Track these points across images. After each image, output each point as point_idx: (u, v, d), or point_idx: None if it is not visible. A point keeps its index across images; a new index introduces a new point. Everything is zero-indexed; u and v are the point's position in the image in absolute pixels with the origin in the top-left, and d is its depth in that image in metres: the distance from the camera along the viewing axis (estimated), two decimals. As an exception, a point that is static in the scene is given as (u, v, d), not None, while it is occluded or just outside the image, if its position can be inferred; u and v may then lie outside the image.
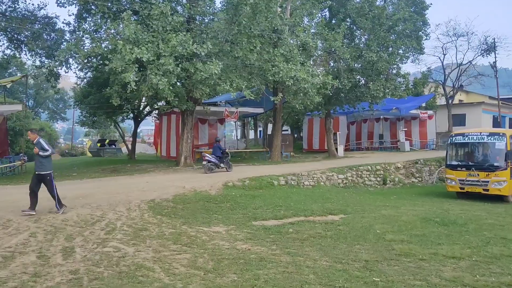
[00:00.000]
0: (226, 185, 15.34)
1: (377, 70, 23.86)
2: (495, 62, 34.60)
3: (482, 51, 36.01)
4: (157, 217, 10.43)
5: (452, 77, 38.13)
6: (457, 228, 9.79)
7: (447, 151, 17.26)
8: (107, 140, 49.03)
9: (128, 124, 48.44)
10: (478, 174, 15.89)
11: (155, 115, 33.09)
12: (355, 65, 23.94)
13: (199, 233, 8.89)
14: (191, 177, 17.13)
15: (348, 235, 8.89)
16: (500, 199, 16.00)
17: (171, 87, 15.99)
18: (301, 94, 20.38)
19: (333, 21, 25.92)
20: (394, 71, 26.21)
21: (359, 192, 18.06)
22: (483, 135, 16.29)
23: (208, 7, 19.52)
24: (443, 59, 38.41)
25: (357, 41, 24.94)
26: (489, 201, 15.67)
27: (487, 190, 15.78)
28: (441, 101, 38.23)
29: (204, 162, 18.65)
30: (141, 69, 16.53)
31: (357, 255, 7.19)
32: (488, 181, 15.69)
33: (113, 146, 46.55)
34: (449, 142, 17.19)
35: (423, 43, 28.23)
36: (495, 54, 34.68)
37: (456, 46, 43.08)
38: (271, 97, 20.88)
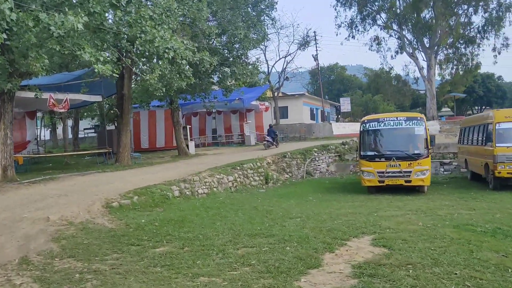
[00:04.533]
0: (109, 206, 9.74)
1: (240, 52, 20.45)
2: (316, 55, 35.45)
3: (301, 44, 36.51)
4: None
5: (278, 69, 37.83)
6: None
7: (360, 140, 15.07)
8: None
9: None
10: (399, 164, 14.11)
11: None
12: (218, 43, 19.96)
13: None
14: (37, 199, 10.56)
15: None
16: (412, 190, 14.65)
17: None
18: (172, 73, 15.45)
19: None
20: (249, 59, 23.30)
21: (265, 196, 14.44)
22: (400, 120, 14.64)
23: None
24: (265, 50, 37.70)
25: (220, 15, 20.98)
26: (403, 193, 14.13)
27: (410, 181, 14.20)
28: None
29: (265, 142, 25.16)
30: None
31: None
32: (410, 171, 14.08)
33: None
34: (361, 129, 15.01)
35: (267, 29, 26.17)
36: (316, 46, 35.52)
37: (278, 38, 43.08)
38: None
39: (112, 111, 30.38)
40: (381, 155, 14.47)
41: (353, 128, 34.61)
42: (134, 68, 16.11)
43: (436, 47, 38.03)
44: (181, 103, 25.13)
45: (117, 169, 16.82)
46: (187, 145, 23.15)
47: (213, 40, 19.11)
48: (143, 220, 8.71)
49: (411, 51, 38.44)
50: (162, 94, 17.55)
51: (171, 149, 27.94)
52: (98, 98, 19.16)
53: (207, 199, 13.06)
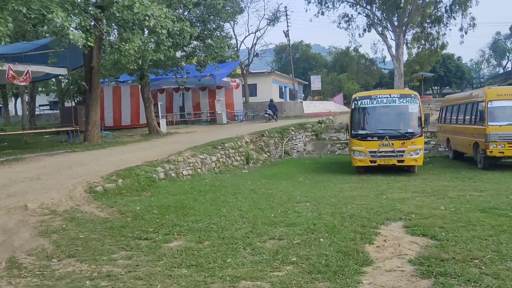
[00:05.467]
0: (93, 190, 8.60)
1: (217, 24, 19.18)
2: (287, 31, 34.42)
3: (272, 20, 35.37)
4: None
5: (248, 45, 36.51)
6: None
7: (351, 118, 14.38)
8: None
9: None
10: (392, 144, 13.57)
11: None
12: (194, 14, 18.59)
13: None
14: (5, 184, 9.20)
15: None
16: (401, 169, 14.23)
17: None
18: (149, 44, 14.11)
19: None
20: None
21: (252, 178, 13.57)
22: (394, 97, 14.03)
23: None
24: (234, 25, 36.25)
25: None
26: (394, 173, 13.74)
27: (402, 161, 13.71)
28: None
29: (266, 115, 27.15)
30: None
31: None
32: (404, 151, 13.58)
33: None
34: (353, 107, 14.31)
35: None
36: (287, 22, 34.46)
37: (248, 12, 41.52)
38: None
39: (72, 86, 28.36)
40: (374, 134, 13.86)
41: (324, 106, 34.24)
42: (105, 38, 14.56)
43: (404, 26, 37.91)
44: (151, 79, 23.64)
45: (87, 148, 15.39)
46: (158, 123, 21.77)
47: (188, 10, 17.69)
48: (137, 208, 7.64)
49: (380, 30, 38.14)
50: (135, 67, 16.17)
51: (138, 127, 26.47)
52: (63, 71, 17.44)
53: (194, 181, 12.05)
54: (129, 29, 13.84)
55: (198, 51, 19.64)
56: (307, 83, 48.26)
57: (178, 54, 19.72)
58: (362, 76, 44.71)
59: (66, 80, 30.83)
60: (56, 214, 6.97)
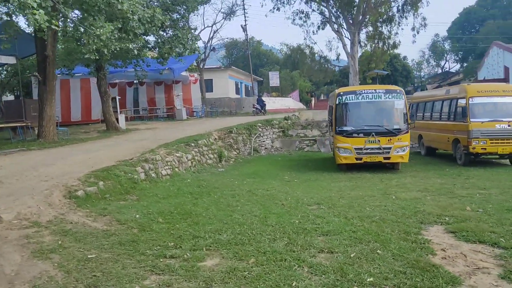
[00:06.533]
0: (74, 195, 7.36)
1: (182, 14, 17.97)
2: (245, 25, 33.56)
3: (228, 14, 34.35)
4: None
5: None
6: None
7: (335, 114, 13.77)
8: None
9: None
10: (379, 140, 13.13)
11: None
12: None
13: None
14: None
15: None
16: (383, 166, 13.90)
17: None
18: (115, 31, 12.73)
19: None
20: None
21: (234, 177, 12.63)
22: (379, 92, 13.58)
23: None
24: (188, 18, 34.68)
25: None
26: (378, 171, 13.37)
27: (389, 158, 13.31)
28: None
29: (253, 109, 28.39)
30: None
31: None
32: (390, 148, 13.18)
33: None
34: (337, 102, 13.68)
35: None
36: (245, 16, 33.52)
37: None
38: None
39: (13, 79, 25.85)
40: (359, 130, 13.32)
41: (283, 103, 33.71)
42: (64, 23, 12.98)
43: (359, 25, 38.22)
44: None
45: (44, 146, 13.68)
46: (117, 119, 20.12)
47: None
48: (137, 216, 6.49)
49: (336, 27, 38.19)
50: (96, 57, 14.62)
51: (89, 123, 24.55)
52: (11, 60, 15.48)
53: (175, 181, 10.94)
54: (95, 13, 12.38)
55: (161, 42, 18.17)
56: (262, 79, 47.63)
57: (134, 45, 18.20)
58: (316, 74, 44.67)
59: (5, 72, 28.13)
60: (40, 226, 5.69)
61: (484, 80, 39.17)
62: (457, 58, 75.31)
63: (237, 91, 38.53)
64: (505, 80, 33.78)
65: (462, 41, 67.87)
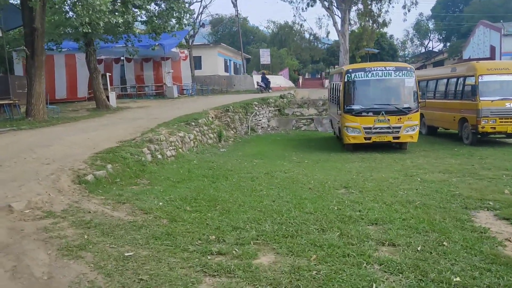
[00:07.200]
0: (84, 180, 6.74)
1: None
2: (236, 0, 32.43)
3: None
4: None
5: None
6: None
7: (344, 92, 13.20)
8: None
9: None
10: (388, 119, 12.68)
11: None
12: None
13: None
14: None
15: None
16: (389, 146, 13.52)
17: None
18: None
19: None
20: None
21: (239, 157, 12.07)
22: (390, 70, 13.05)
23: None
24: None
25: None
26: (386, 150, 13.00)
27: (398, 137, 12.91)
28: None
29: (257, 86, 28.42)
30: None
31: None
32: (400, 127, 12.77)
33: None
34: (345, 79, 13.11)
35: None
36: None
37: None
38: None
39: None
40: (369, 109, 12.83)
41: (274, 81, 32.97)
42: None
43: (350, 2, 37.45)
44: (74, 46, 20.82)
45: (35, 125, 12.82)
46: (107, 97, 19.19)
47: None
48: (160, 203, 5.88)
49: (327, 5, 37.34)
50: (89, 30, 13.70)
51: (75, 101, 23.48)
52: (-5, 33, 14.36)
53: (181, 162, 10.37)
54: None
55: (155, 16, 17.17)
56: (250, 57, 46.64)
57: (131, 17, 17.18)
58: (304, 52, 43.94)
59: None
60: (56, 217, 5.05)
61: (470, 59, 39.23)
62: (441, 38, 75.29)
63: (226, 68, 37.59)
64: (491, 59, 33.60)
65: (446, 20, 67.65)
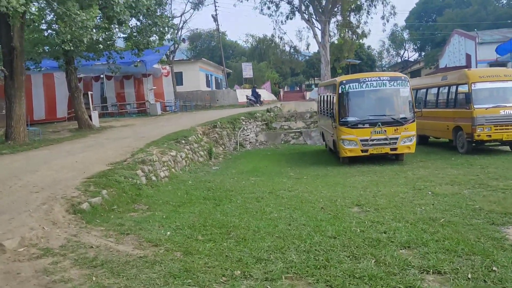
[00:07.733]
0: (79, 209, 6.18)
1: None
2: (216, 14, 32.23)
3: (196, 4, 32.85)
4: None
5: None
6: None
7: (338, 104, 12.89)
8: None
9: None
10: (385, 131, 12.41)
11: None
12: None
13: None
14: None
15: None
16: (384, 158, 13.22)
17: None
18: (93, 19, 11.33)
19: None
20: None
21: (235, 176, 11.59)
22: (384, 80, 12.82)
23: None
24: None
25: None
26: (382, 162, 12.71)
27: (396, 149, 12.64)
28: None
29: (247, 100, 28.56)
30: None
31: None
32: (397, 138, 12.51)
33: None
34: (339, 91, 12.81)
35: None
36: (215, 5, 32.20)
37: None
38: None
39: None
40: (365, 120, 12.55)
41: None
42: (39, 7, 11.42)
43: (329, 14, 37.65)
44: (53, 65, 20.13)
45: (16, 149, 12.09)
46: (90, 116, 18.50)
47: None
48: (167, 233, 5.34)
49: (307, 17, 37.44)
50: (71, 48, 13.11)
51: (55, 121, 22.71)
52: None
53: (176, 183, 9.85)
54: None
55: (139, 31, 16.63)
56: (231, 71, 46.34)
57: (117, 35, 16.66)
58: (285, 64, 43.89)
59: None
60: (55, 254, 4.49)
61: (446, 68, 39.78)
62: (416, 47, 76.60)
63: (208, 83, 37.17)
64: (467, 67, 34.06)
65: (420, 30, 68.89)
